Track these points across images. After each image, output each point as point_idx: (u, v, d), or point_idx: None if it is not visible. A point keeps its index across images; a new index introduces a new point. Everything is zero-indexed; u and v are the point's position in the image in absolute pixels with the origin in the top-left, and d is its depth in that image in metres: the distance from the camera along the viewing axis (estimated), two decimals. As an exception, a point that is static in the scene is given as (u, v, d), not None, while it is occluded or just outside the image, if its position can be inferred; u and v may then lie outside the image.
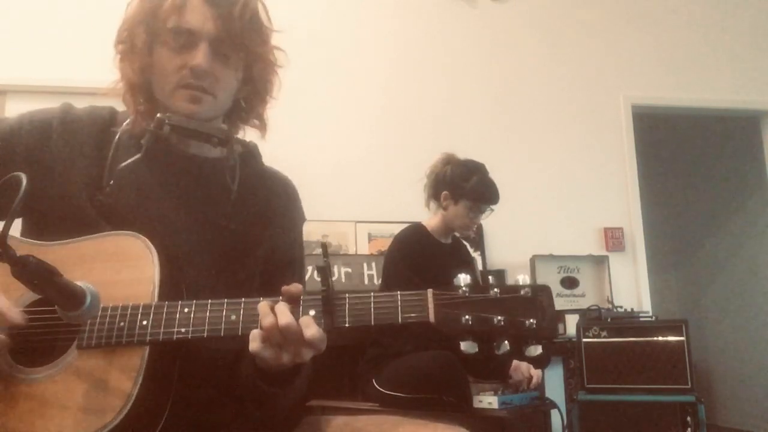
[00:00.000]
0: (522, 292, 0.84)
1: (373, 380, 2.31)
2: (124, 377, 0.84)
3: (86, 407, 0.83)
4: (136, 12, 1.02)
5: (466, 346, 0.83)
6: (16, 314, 0.82)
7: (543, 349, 0.83)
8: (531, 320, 0.83)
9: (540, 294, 0.84)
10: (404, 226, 2.57)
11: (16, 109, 1.07)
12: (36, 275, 0.74)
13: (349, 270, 3.35)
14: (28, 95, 3.41)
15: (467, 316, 0.82)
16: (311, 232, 3.41)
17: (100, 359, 0.86)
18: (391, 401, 2.22)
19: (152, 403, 0.85)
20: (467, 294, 0.84)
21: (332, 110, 3.76)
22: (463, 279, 0.85)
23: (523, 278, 0.86)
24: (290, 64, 1.13)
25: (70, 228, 0.95)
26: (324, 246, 0.86)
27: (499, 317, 0.82)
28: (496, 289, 0.84)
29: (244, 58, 1.04)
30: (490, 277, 0.87)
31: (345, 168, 3.66)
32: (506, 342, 0.83)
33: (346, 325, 0.84)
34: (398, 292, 0.84)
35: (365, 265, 3.39)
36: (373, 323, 0.84)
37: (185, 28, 0.99)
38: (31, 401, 0.85)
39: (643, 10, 4.33)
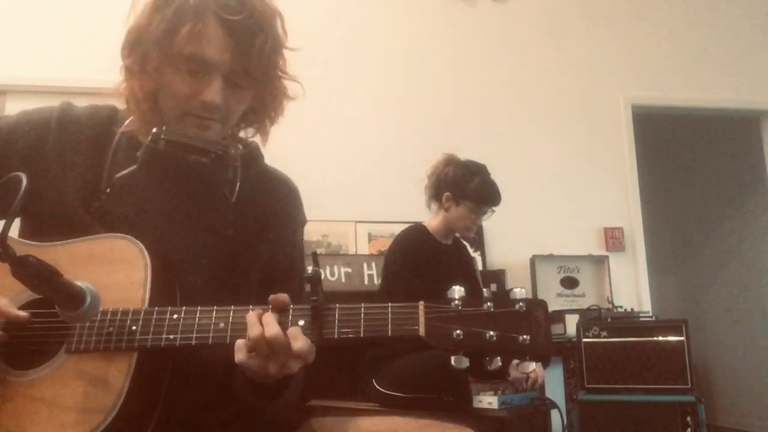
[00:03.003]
0: (516, 307, 0.81)
1: (373, 380, 2.30)
2: (113, 379, 0.84)
3: (76, 409, 0.83)
4: (149, 28, 0.97)
5: (457, 361, 0.80)
6: (16, 310, 0.82)
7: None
8: (524, 336, 0.79)
9: (535, 309, 0.81)
10: (404, 226, 2.57)
11: (16, 109, 1.06)
12: (36, 275, 0.74)
13: (349, 270, 3.35)
14: (28, 95, 3.40)
15: (458, 331, 0.80)
16: (311, 232, 3.41)
17: (90, 362, 0.86)
18: (391, 401, 2.22)
19: (142, 404, 0.85)
20: (459, 307, 0.81)
21: (333, 110, 3.75)
22: (458, 291, 0.82)
23: (520, 291, 0.83)
24: (304, 95, 1.08)
25: (64, 231, 0.94)
26: (314, 255, 0.84)
27: (492, 332, 0.79)
28: (489, 303, 0.81)
29: (257, 88, 1.02)
30: (484, 290, 0.84)
31: (345, 168, 3.66)
32: (498, 358, 0.80)
33: (335, 337, 0.82)
34: (389, 304, 0.82)
35: (365, 265, 3.39)
36: (362, 335, 0.81)
37: (201, 57, 0.95)
38: (21, 402, 0.85)
39: (644, 11, 4.33)
